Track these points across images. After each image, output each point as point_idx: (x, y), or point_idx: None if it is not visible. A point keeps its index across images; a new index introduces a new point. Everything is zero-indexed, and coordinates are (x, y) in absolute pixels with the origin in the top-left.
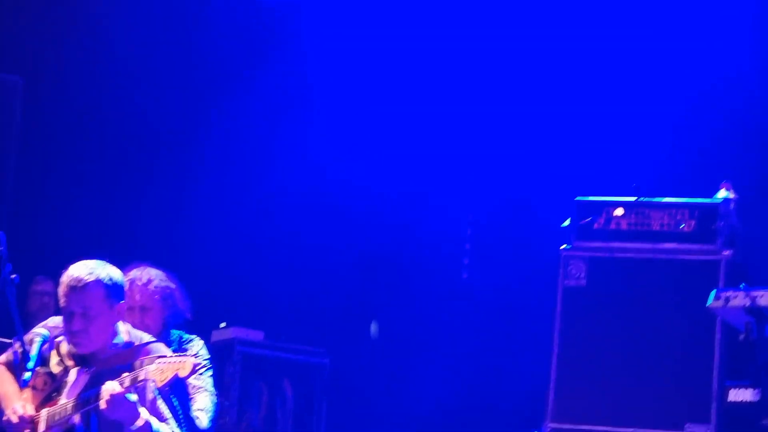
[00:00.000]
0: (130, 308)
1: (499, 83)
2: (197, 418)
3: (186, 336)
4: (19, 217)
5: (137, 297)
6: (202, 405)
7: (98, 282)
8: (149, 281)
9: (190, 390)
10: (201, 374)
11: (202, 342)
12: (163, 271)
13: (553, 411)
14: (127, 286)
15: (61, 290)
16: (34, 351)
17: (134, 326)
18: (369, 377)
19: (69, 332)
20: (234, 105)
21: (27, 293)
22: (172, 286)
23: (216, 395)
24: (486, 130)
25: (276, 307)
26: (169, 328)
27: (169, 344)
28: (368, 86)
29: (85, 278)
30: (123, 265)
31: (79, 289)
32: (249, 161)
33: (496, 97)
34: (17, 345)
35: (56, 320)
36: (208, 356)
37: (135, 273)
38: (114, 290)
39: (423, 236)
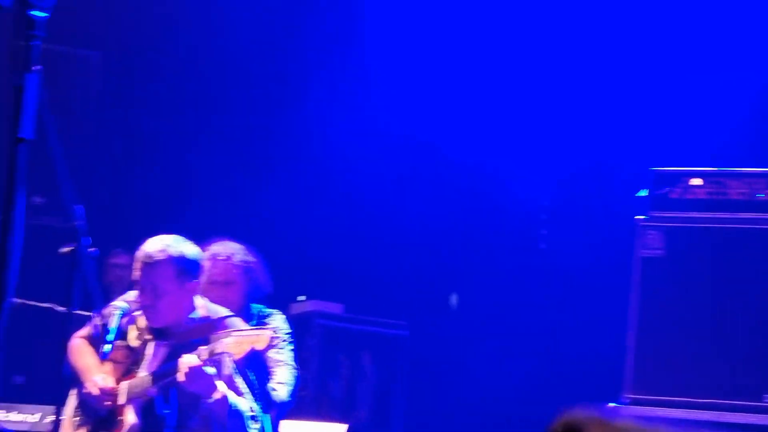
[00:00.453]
0: (212, 283)
1: (576, 51)
2: (275, 390)
3: (266, 310)
4: (97, 191)
5: (219, 272)
6: (282, 378)
7: (169, 260)
8: (231, 256)
9: (271, 364)
10: (281, 348)
11: (282, 316)
12: (243, 245)
13: (631, 382)
14: (208, 261)
15: (135, 264)
16: (113, 324)
17: (216, 301)
18: (448, 349)
19: (141, 306)
20: (312, 76)
21: (104, 266)
22: (253, 260)
23: (296, 369)
24: (562, 100)
25: (355, 280)
26: (250, 303)
27: (249, 318)
28: (447, 57)
29: (157, 256)
30: (201, 239)
31: (149, 265)
32: (327, 133)
33: (572, 67)
34: (97, 318)
35: (135, 294)
36: (289, 330)
37: (216, 248)
38: (186, 268)
39: (500, 207)
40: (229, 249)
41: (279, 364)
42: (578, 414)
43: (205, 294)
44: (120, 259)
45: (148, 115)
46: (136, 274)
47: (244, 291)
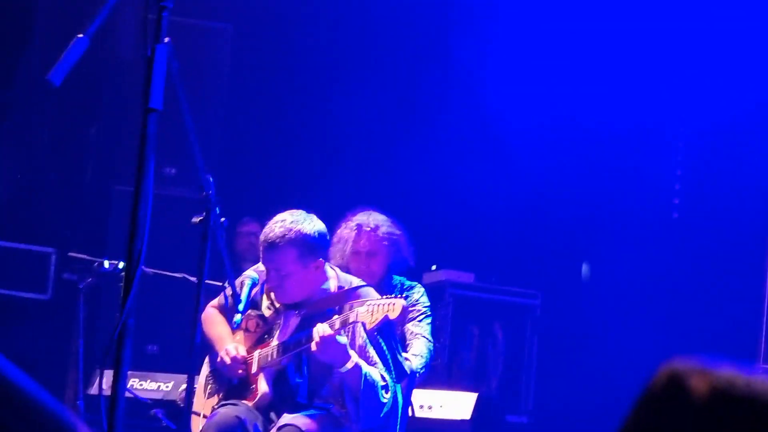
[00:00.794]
0: (356, 253)
1: (712, 19)
2: (408, 360)
3: (408, 282)
4: (228, 161)
5: (363, 243)
6: (417, 350)
7: (291, 243)
8: (377, 227)
9: (408, 336)
10: (420, 321)
11: (423, 289)
12: (388, 215)
13: (765, 352)
14: (353, 231)
15: (260, 243)
16: (244, 294)
17: (358, 270)
18: (580, 318)
19: (269, 286)
20: (455, 38)
21: (234, 234)
22: (398, 232)
23: (433, 342)
24: (696, 68)
25: (486, 249)
26: (392, 274)
27: (390, 290)
28: (585, 25)
29: (278, 240)
30: (333, 209)
31: (271, 250)
32: (458, 103)
33: (708, 35)
34: (228, 288)
35: None
36: (428, 304)
37: (362, 218)
38: (310, 249)
39: (633, 177)
40: (375, 220)
41: (416, 336)
42: (680, 364)
43: (348, 263)
44: (250, 227)
45: (280, 85)
46: (261, 254)
47: (386, 263)
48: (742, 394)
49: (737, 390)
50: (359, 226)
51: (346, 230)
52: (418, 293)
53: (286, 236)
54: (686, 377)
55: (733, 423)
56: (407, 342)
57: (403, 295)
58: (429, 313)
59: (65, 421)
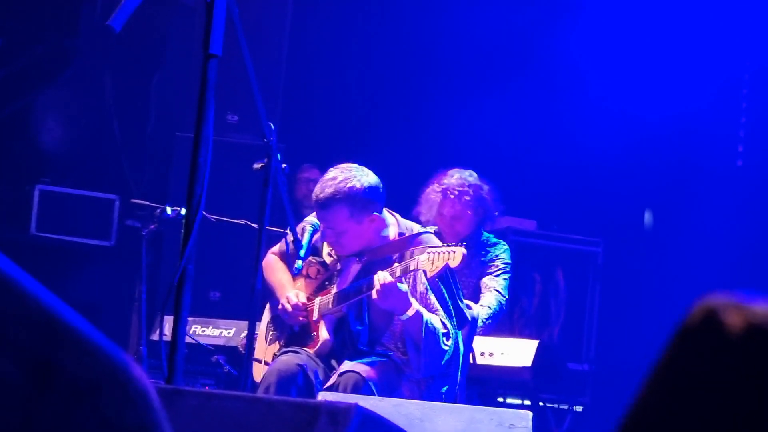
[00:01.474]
0: (441, 215)
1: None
2: (470, 308)
3: (493, 239)
4: (289, 107)
5: (448, 209)
6: (486, 302)
7: (342, 202)
8: (461, 194)
9: (482, 288)
10: (496, 276)
11: (505, 246)
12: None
13: None
14: (439, 195)
15: (313, 201)
16: (305, 240)
17: (444, 231)
18: (642, 266)
19: (325, 240)
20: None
21: (294, 181)
22: (485, 191)
23: (506, 298)
24: (761, 12)
25: (549, 196)
26: (480, 230)
27: (479, 246)
28: None
29: (329, 200)
30: (391, 155)
31: (324, 208)
32: (525, 53)
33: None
34: (289, 235)
35: None
36: (509, 261)
37: (449, 181)
38: (362, 205)
39: (696, 124)
40: (460, 185)
41: (489, 288)
42: (715, 300)
43: (434, 222)
44: (310, 173)
45: (342, 31)
46: (315, 209)
47: (471, 225)
48: None
49: None
50: (444, 192)
51: (433, 193)
52: (500, 250)
53: (337, 196)
54: (721, 312)
55: None
56: (481, 294)
57: (495, 254)
58: (507, 269)
59: (118, 361)
